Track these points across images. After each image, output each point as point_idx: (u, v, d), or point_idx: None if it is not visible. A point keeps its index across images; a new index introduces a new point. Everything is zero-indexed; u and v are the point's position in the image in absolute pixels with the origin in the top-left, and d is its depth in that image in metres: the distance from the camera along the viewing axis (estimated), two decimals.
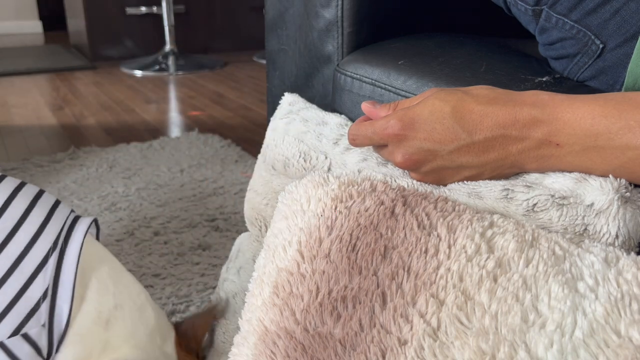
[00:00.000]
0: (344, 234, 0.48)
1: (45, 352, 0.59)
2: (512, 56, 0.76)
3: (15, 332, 0.57)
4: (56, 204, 0.66)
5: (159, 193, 1.75)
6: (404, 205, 0.50)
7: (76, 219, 0.67)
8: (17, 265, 0.58)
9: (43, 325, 0.58)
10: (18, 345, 0.57)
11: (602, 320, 0.38)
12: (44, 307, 0.59)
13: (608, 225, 0.48)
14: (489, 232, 0.47)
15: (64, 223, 0.64)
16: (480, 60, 0.74)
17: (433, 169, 0.56)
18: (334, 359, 0.44)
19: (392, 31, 0.92)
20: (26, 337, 0.58)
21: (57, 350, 0.60)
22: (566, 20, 0.66)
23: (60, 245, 0.62)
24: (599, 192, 0.48)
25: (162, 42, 3.61)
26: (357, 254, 0.47)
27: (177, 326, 0.76)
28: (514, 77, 0.68)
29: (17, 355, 0.58)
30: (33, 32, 5.05)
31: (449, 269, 0.44)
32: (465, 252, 0.45)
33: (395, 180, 0.60)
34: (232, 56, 3.95)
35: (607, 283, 0.41)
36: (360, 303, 0.45)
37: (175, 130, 2.42)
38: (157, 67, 3.48)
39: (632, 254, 0.44)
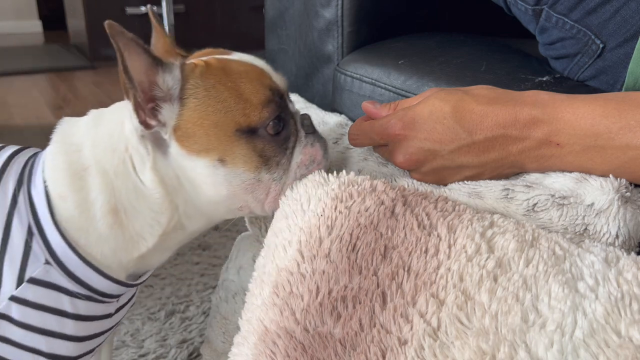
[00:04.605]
0: (344, 233, 0.48)
1: (67, 285, 0.56)
2: (512, 56, 0.76)
3: (20, 281, 0.55)
4: (19, 150, 0.63)
5: None
6: (404, 205, 0.50)
7: (37, 153, 0.62)
8: None
9: (47, 263, 0.55)
10: (30, 292, 0.55)
11: (602, 320, 0.38)
12: (36, 245, 0.55)
13: (608, 225, 0.48)
14: (489, 232, 0.47)
15: (26, 161, 0.60)
16: (480, 60, 0.74)
17: (433, 168, 0.56)
18: (334, 358, 0.44)
19: (392, 31, 0.92)
20: (34, 281, 0.55)
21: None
22: (566, 19, 0.66)
23: (26, 181, 0.58)
24: (599, 192, 0.48)
25: None
26: (357, 253, 0.47)
27: None
28: (514, 77, 0.68)
29: (34, 301, 0.55)
30: (33, 31, 5.05)
31: (449, 269, 0.44)
32: (466, 252, 0.45)
33: (395, 180, 0.60)
34: None
35: (607, 283, 0.41)
36: (360, 303, 0.45)
37: None
38: None
39: (632, 254, 0.44)
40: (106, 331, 0.65)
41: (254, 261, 0.57)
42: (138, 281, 0.65)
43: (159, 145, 0.57)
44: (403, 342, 0.42)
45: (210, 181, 0.57)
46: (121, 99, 0.60)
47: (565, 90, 0.57)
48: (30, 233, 0.56)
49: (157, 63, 0.53)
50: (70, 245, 0.56)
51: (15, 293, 0.55)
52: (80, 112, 0.65)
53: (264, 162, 0.57)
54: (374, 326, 0.44)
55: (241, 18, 4.02)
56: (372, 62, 0.83)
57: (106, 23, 0.48)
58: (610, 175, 0.48)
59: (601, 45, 0.63)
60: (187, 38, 3.93)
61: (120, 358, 1.05)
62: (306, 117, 0.62)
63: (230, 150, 0.56)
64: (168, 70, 0.54)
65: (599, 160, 0.48)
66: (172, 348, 1.07)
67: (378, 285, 0.45)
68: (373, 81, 0.81)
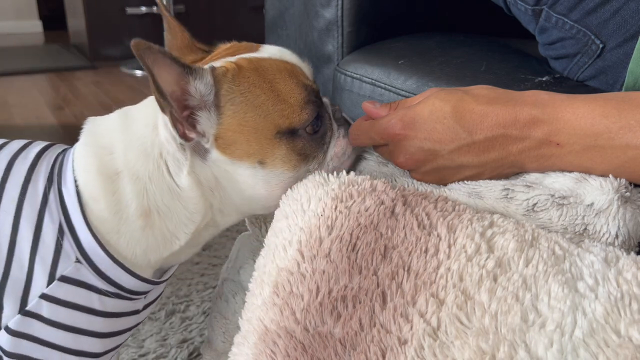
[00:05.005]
0: (344, 233, 0.48)
1: (97, 283, 0.57)
2: (512, 56, 0.77)
3: (51, 279, 0.55)
4: (46, 146, 0.62)
5: None
6: (404, 205, 0.50)
7: (66, 149, 0.62)
8: (18, 217, 0.56)
9: (77, 261, 0.56)
10: (61, 290, 0.55)
11: (602, 320, 0.38)
12: (67, 243, 0.56)
13: (608, 225, 0.48)
14: (489, 232, 0.47)
15: (55, 158, 0.60)
16: (480, 60, 0.74)
17: (433, 168, 0.56)
18: (334, 358, 0.44)
19: (392, 31, 0.92)
20: (65, 279, 0.56)
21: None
22: (566, 20, 0.66)
23: (56, 179, 0.58)
24: (599, 191, 0.48)
25: (162, 42, 3.60)
26: (357, 253, 0.47)
27: None
28: (514, 77, 0.68)
29: (65, 299, 0.56)
30: (33, 31, 5.05)
31: (449, 269, 0.44)
32: (465, 251, 0.45)
33: (395, 180, 0.60)
34: None
35: (607, 283, 0.41)
36: (360, 303, 0.45)
37: None
38: None
39: (632, 253, 0.44)
40: (133, 327, 0.66)
41: (254, 261, 0.57)
42: (163, 278, 0.66)
43: (198, 151, 0.57)
44: (403, 342, 0.42)
45: (250, 182, 0.58)
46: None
47: (565, 90, 0.57)
48: (61, 231, 0.56)
49: (187, 71, 0.52)
50: (101, 245, 0.57)
51: (46, 291, 0.55)
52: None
53: (302, 159, 0.58)
54: (374, 326, 0.44)
55: (241, 18, 4.02)
56: (372, 62, 0.83)
57: (132, 44, 0.46)
58: (610, 175, 0.48)
59: (601, 45, 0.63)
60: None
61: (120, 358, 1.05)
62: (337, 110, 0.63)
63: (271, 152, 0.57)
64: (199, 76, 0.53)
65: (599, 160, 0.48)
66: (172, 348, 1.07)
67: (378, 285, 0.45)
68: (373, 81, 0.81)
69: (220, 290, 0.83)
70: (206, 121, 0.55)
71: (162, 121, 0.57)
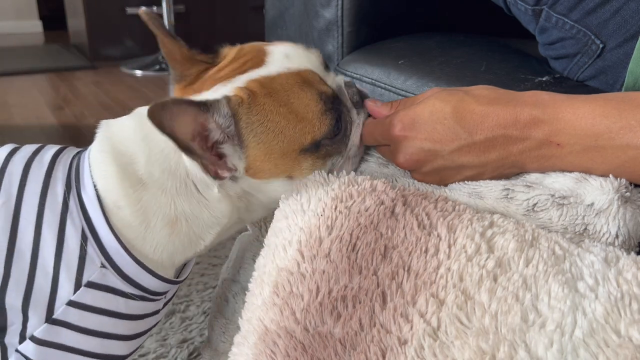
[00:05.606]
0: (344, 233, 0.48)
1: (122, 287, 0.57)
2: (512, 56, 0.77)
3: (77, 286, 0.55)
4: (60, 150, 0.62)
5: None
6: (404, 205, 0.50)
7: (79, 153, 0.62)
8: (39, 225, 0.55)
9: (103, 266, 0.56)
10: (89, 296, 0.56)
11: (602, 319, 0.38)
12: (91, 249, 0.56)
13: (608, 224, 0.48)
14: (489, 232, 0.47)
15: (70, 163, 0.60)
16: (480, 60, 0.74)
17: (434, 169, 0.56)
18: (334, 358, 0.44)
19: (391, 31, 0.92)
20: (92, 285, 0.56)
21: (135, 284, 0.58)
22: (566, 20, 0.66)
23: (74, 184, 0.58)
24: (599, 191, 0.48)
25: None
26: (357, 253, 0.47)
27: None
28: (514, 77, 0.68)
29: (93, 305, 0.56)
30: (33, 31, 5.04)
31: (449, 269, 0.44)
32: (466, 251, 0.45)
33: (396, 181, 0.60)
34: None
35: (607, 283, 0.41)
36: (360, 303, 0.45)
37: None
38: (157, 67, 3.48)
39: (632, 253, 0.44)
40: (153, 327, 0.66)
41: (254, 261, 0.57)
42: (183, 275, 0.67)
43: None
44: (403, 342, 0.42)
45: (280, 190, 0.59)
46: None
47: (565, 90, 0.57)
48: (84, 237, 0.56)
49: (204, 109, 0.51)
50: (126, 250, 0.57)
51: (74, 298, 0.55)
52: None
53: (327, 160, 0.59)
54: (374, 326, 0.44)
55: (241, 18, 4.02)
56: (372, 62, 0.83)
57: (148, 114, 0.45)
58: (610, 175, 0.48)
59: (601, 46, 0.63)
60: (187, 38, 3.93)
61: None
62: (354, 92, 0.62)
63: (298, 167, 0.58)
64: (216, 110, 0.53)
65: (599, 160, 0.48)
66: (172, 347, 1.07)
67: (378, 285, 0.45)
68: (373, 81, 0.81)
69: (220, 290, 0.83)
70: (232, 153, 0.55)
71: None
